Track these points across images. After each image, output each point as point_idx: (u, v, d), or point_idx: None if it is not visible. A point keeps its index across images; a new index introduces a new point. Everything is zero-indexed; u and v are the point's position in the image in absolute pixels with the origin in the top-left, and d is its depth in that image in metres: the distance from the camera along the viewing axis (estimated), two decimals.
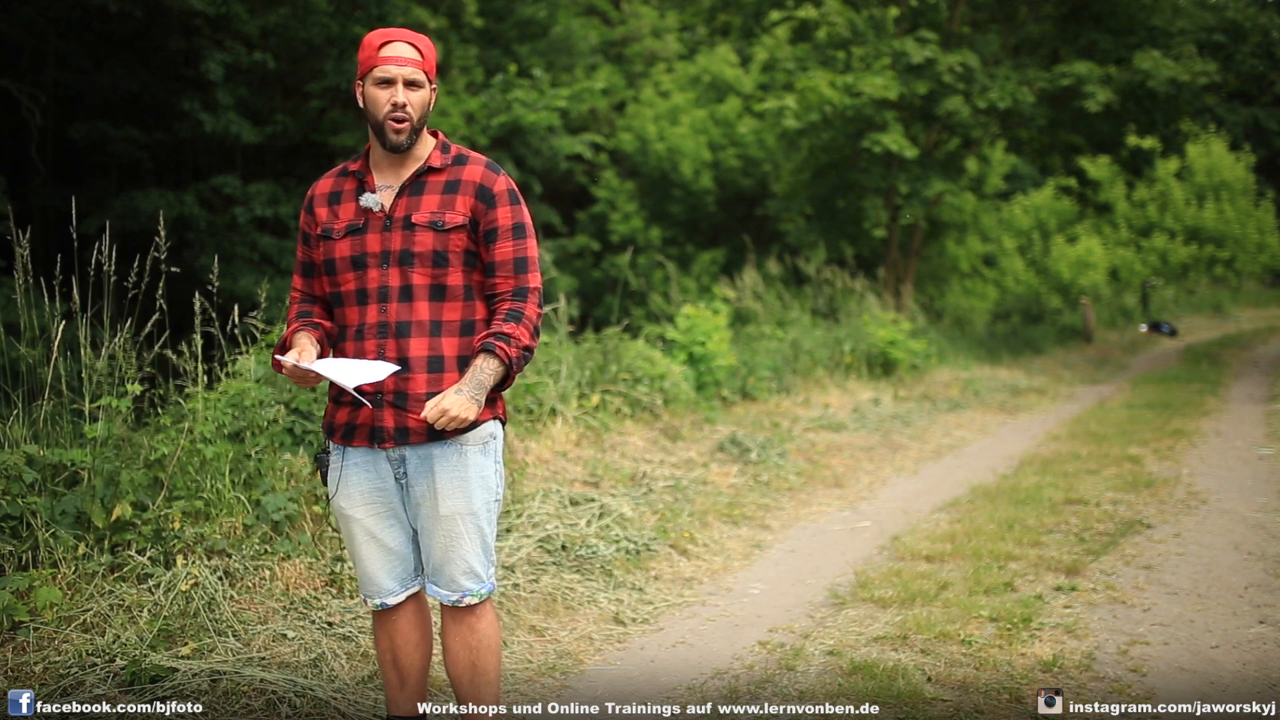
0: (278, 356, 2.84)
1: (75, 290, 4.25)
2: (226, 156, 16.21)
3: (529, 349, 2.87)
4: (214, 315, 4.84)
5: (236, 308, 5.06)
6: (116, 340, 4.35)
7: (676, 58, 22.34)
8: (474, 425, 2.88)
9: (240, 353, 5.20)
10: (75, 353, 4.35)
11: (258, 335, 5.32)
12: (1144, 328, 21.04)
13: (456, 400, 2.75)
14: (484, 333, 2.85)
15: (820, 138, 15.60)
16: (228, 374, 5.14)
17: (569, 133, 18.85)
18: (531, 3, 18.89)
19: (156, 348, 4.60)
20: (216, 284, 4.72)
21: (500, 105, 16.69)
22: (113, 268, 4.32)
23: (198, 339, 4.77)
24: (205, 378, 4.83)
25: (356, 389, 2.78)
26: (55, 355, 4.12)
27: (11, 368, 4.53)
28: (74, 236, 4.40)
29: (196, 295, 4.71)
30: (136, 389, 4.31)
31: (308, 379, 2.86)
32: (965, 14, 16.07)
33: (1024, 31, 16.33)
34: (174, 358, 4.84)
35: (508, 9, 18.98)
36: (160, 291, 4.50)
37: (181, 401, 4.81)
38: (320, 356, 2.94)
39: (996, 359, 15.14)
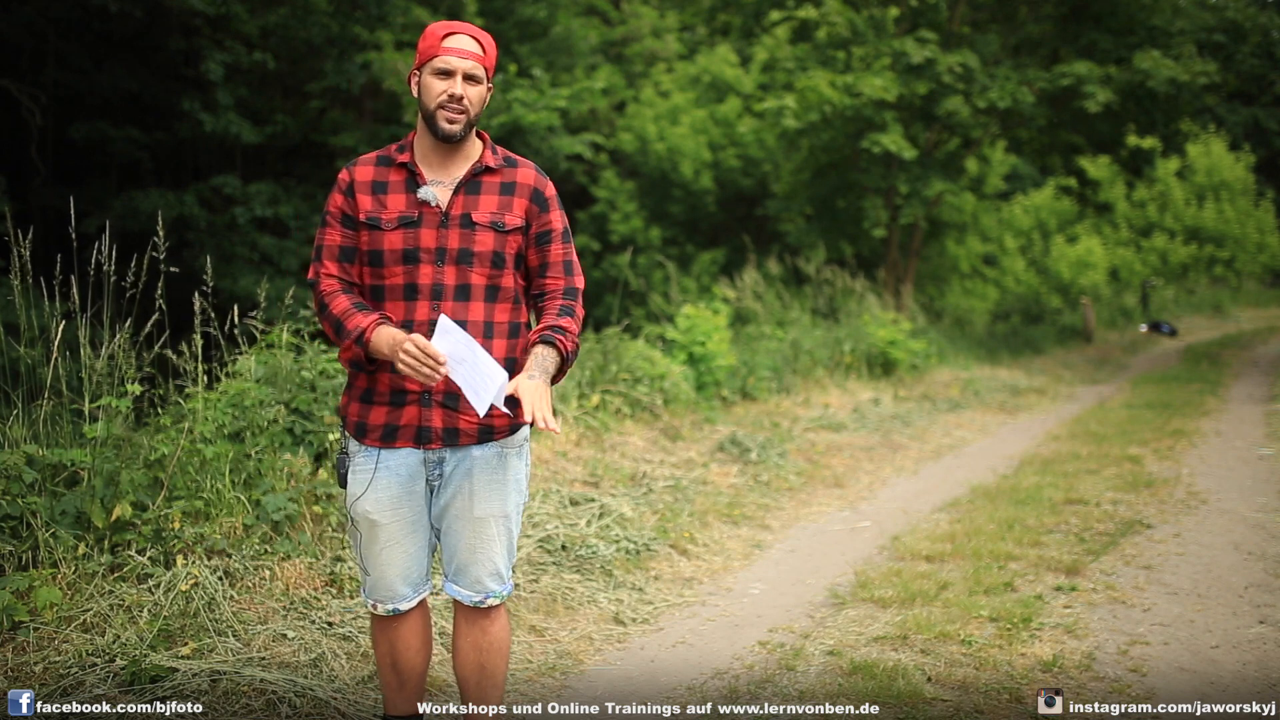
0: (416, 340, 2.60)
1: (75, 290, 4.25)
2: (226, 156, 16.22)
3: (578, 346, 2.86)
4: (212, 315, 4.84)
5: (236, 307, 5.06)
6: (116, 340, 4.35)
7: (676, 58, 22.33)
8: (517, 428, 2.88)
9: (240, 353, 5.20)
10: (75, 353, 4.35)
11: (257, 335, 5.32)
12: (1144, 328, 21.04)
13: (538, 389, 2.63)
14: (542, 325, 2.82)
15: (820, 138, 15.61)
16: (227, 374, 5.14)
17: (569, 133, 18.84)
18: (531, 3, 18.88)
19: (156, 348, 4.60)
20: (211, 284, 4.72)
21: (500, 105, 16.69)
22: (112, 268, 4.32)
23: (197, 339, 4.77)
24: (205, 378, 4.83)
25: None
26: (55, 355, 4.12)
27: (11, 368, 4.53)
28: (73, 236, 4.39)
29: (196, 295, 4.71)
30: (136, 389, 4.31)
31: (427, 372, 2.61)
32: (965, 14, 16.07)
33: (1024, 31, 16.33)
34: (174, 358, 4.84)
35: (508, 9, 18.97)
36: (160, 292, 4.50)
37: (181, 401, 4.81)
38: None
39: (996, 359, 15.14)
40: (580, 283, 2.94)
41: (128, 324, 4.43)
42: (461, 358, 2.62)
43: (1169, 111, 15.67)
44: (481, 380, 2.61)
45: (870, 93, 13.87)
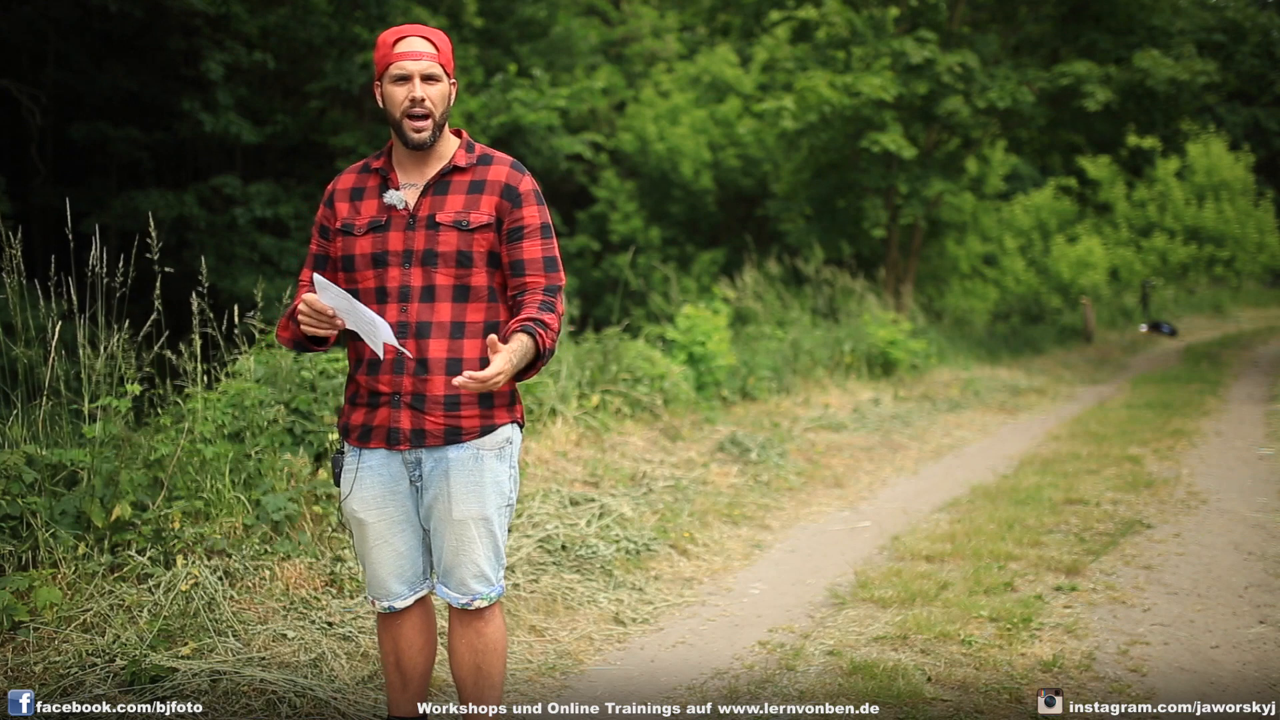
0: (304, 297, 2.70)
1: (73, 290, 4.24)
2: (226, 156, 16.22)
3: (555, 344, 2.82)
4: (210, 315, 4.83)
5: (236, 307, 5.06)
6: (115, 340, 4.34)
7: (676, 58, 22.33)
8: (491, 429, 2.86)
9: (240, 353, 5.20)
10: (74, 353, 4.34)
11: (257, 335, 5.32)
12: (1144, 328, 21.05)
13: (503, 367, 2.61)
14: (524, 316, 2.78)
15: (820, 138, 15.60)
16: (227, 374, 5.14)
17: (569, 132, 18.83)
18: (531, 3, 18.88)
19: (156, 348, 4.60)
20: (206, 284, 4.72)
21: (500, 105, 16.68)
22: (105, 269, 4.31)
23: (196, 339, 4.77)
24: (205, 378, 4.83)
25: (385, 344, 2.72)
26: (53, 355, 4.12)
27: (10, 368, 4.53)
28: (70, 236, 4.39)
29: (193, 296, 4.71)
30: (136, 389, 4.31)
31: (324, 323, 2.73)
32: (965, 14, 16.07)
33: (1024, 31, 16.33)
34: (173, 358, 4.84)
35: (508, 9, 18.96)
36: (157, 292, 4.50)
37: (181, 402, 4.81)
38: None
39: (996, 359, 15.14)
40: (562, 280, 2.90)
41: (125, 324, 4.43)
42: (345, 310, 2.70)
43: (1169, 111, 15.67)
44: (370, 327, 2.70)
45: (869, 92, 13.87)
